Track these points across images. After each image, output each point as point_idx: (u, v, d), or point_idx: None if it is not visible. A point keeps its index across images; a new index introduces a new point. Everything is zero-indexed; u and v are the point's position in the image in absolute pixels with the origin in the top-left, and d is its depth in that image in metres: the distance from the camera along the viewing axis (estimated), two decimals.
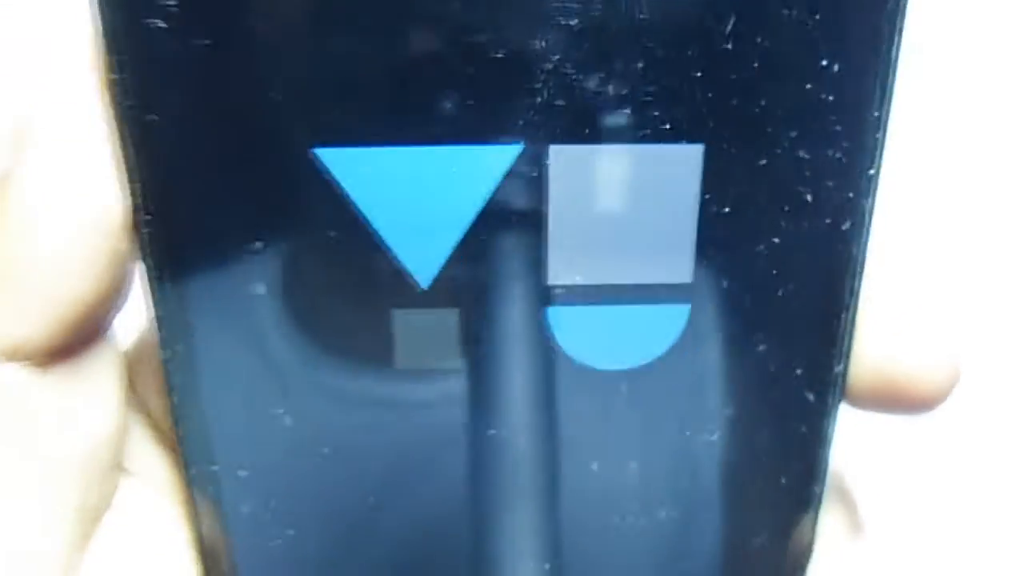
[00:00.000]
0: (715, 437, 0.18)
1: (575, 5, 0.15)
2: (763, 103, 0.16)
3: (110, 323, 0.17)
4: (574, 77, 0.15)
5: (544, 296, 0.17)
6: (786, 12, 0.15)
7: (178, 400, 0.17)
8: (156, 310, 0.17)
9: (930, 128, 0.37)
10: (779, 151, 0.16)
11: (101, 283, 0.16)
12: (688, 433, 0.18)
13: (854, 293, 0.17)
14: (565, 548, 0.18)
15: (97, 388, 0.17)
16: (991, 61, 0.39)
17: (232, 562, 0.18)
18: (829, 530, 0.19)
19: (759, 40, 0.15)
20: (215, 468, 0.18)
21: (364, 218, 0.16)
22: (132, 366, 0.18)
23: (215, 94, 0.15)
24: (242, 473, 0.18)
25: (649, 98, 0.16)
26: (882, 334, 0.18)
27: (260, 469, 0.18)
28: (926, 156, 0.38)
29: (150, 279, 0.16)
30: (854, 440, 0.19)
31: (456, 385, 0.17)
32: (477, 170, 0.16)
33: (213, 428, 0.17)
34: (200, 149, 0.16)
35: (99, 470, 0.17)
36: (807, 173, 0.16)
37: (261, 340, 0.17)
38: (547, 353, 0.17)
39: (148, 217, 0.16)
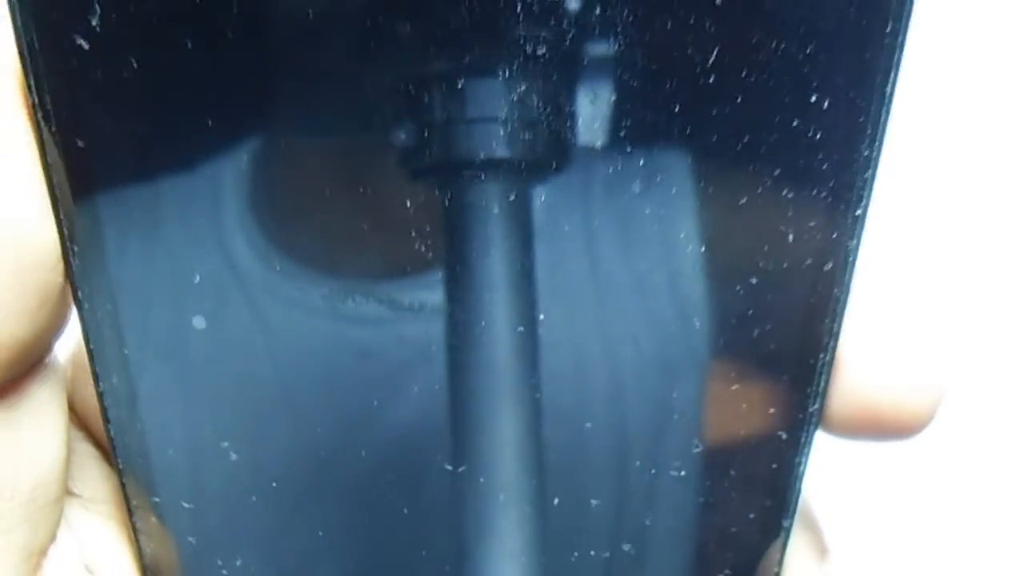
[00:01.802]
0: (684, 473, 0.17)
1: (546, 34, 0.14)
2: (746, 139, 0.15)
3: (51, 350, 0.16)
4: (543, 110, 0.14)
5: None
6: (774, 45, 0.14)
7: (116, 432, 0.16)
8: (89, 343, 0.16)
9: (908, 150, 0.36)
10: (761, 189, 0.15)
11: (37, 320, 0.15)
12: (655, 469, 0.17)
13: (833, 335, 0.16)
14: None
15: (41, 420, 0.16)
16: (971, 82, 0.38)
17: None
18: (795, 555, 0.19)
19: (744, 74, 0.14)
20: (157, 500, 0.17)
21: None
22: (71, 382, 0.17)
23: (144, 118, 0.14)
24: (186, 505, 0.17)
25: (624, 132, 0.14)
26: (864, 361, 0.17)
27: (204, 501, 0.17)
28: (907, 178, 0.37)
29: (81, 312, 0.15)
30: (817, 462, 0.18)
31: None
32: None
33: (154, 461, 0.16)
34: (130, 176, 0.15)
35: (46, 504, 0.16)
36: (790, 212, 0.15)
37: (202, 373, 0.16)
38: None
39: (76, 248, 0.15)
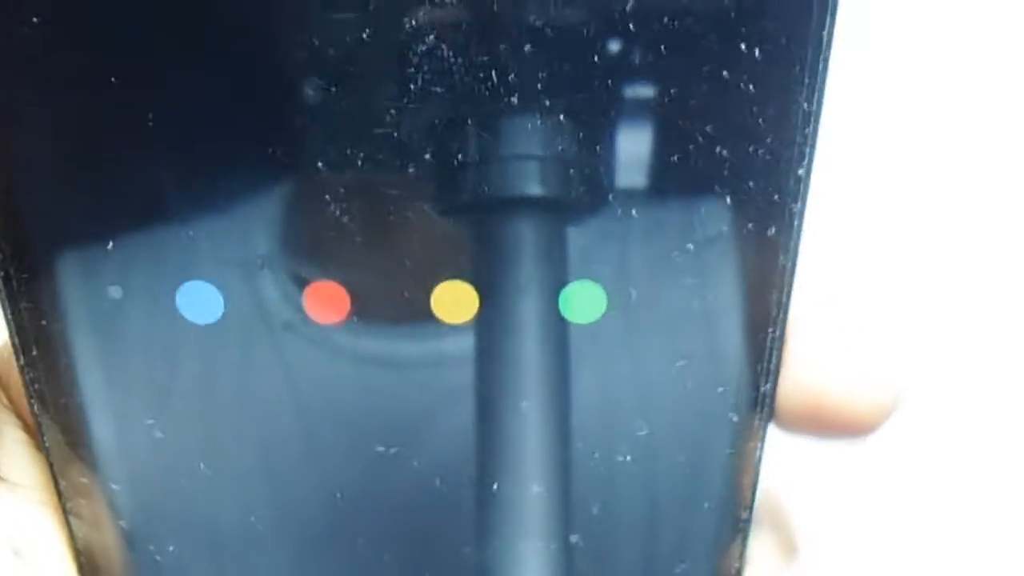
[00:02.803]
0: (629, 459, 0.16)
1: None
2: (672, 92, 0.14)
3: None
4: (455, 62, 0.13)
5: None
6: None
7: (40, 408, 0.16)
8: (8, 313, 0.15)
9: (863, 129, 0.34)
10: (692, 147, 0.14)
11: None
12: (598, 455, 0.16)
13: (782, 306, 0.15)
14: None
15: None
16: (933, 54, 0.36)
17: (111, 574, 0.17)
18: (762, 554, 0.17)
19: (666, 20, 0.13)
20: (84, 481, 0.16)
21: None
22: (3, 366, 0.17)
23: (54, 83, 0.14)
24: (114, 487, 0.16)
25: (540, 84, 0.14)
26: (814, 354, 0.16)
27: (132, 483, 0.16)
28: (859, 161, 0.35)
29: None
30: (785, 458, 0.17)
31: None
32: None
33: (79, 439, 0.16)
34: (46, 144, 0.14)
35: None
36: (725, 172, 0.14)
37: (124, 346, 0.15)
38: None
39: None
